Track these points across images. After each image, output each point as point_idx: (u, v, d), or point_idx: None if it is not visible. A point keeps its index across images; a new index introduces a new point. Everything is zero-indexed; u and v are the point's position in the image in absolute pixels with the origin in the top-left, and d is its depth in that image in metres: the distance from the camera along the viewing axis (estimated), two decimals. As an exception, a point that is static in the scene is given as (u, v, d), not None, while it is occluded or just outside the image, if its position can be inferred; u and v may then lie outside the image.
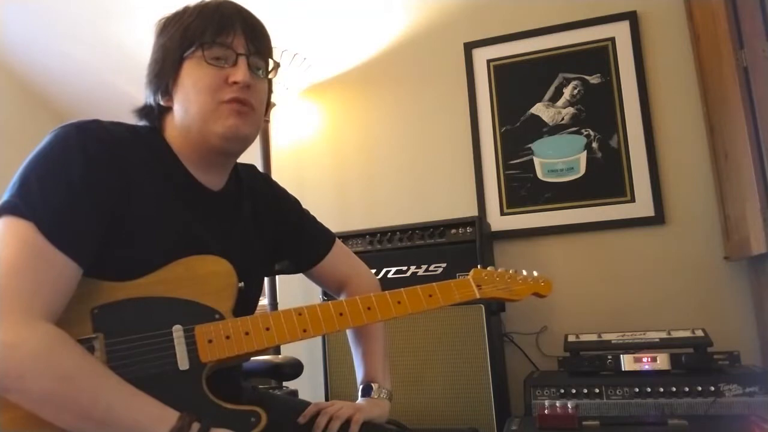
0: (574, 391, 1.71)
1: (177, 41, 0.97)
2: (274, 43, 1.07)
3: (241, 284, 0.97)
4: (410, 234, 2.12)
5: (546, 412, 1.57)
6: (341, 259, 1.25)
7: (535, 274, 1.23)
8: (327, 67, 2.62)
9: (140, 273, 0.89)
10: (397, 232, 2.14)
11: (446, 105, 2.48)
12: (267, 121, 2.47)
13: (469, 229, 2.05)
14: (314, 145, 2.67)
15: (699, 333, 1.79)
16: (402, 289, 1.07)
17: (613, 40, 2.30)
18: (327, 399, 2.07)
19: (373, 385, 1.15)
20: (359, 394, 1.16)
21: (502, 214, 2.34)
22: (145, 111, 1.02)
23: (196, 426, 0.81)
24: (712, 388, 1.61)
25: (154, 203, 0.93)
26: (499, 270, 1.20)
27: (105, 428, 0.78)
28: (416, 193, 2.48)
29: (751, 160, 1.65)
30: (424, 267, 2.06)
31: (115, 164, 0.89)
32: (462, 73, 2.46)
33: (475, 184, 2.38)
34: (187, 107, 0.96)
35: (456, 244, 2.05)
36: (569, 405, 1.56)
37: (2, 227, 0.81)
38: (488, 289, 1.14)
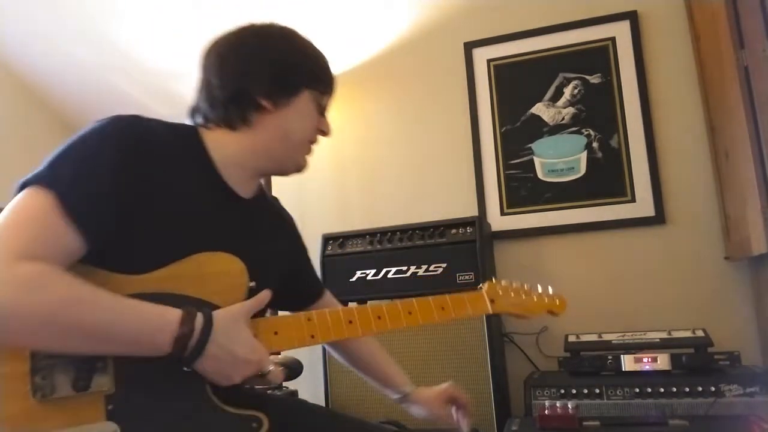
0: (574, 391, 1.71)
1: (305, 70, 1.04)
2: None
3: (252, 284, 0.95)
4: (410, 234, 2.12)
5: (546, 412, 1.57)
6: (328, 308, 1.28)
7: (551, 290, 1.22)
8: (327, 67, 2.62)
9: (152, 267, 0.88)
10: (397, 232, 2.13)
11: (446, 105, 2.48)
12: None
13: (469, 229, 2.05)
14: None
15: (699, 333, 1.79)
16: (413, 299, 1.06)
17: (613, 39, 2.29)
18: (327, 399, 2.07)
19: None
20: (406, 394, 1.26)
21: (503, 214, 2.34)
22: (236, 96, 1.00)
23: (199, 320, 0.84)
24: (713, 389, 1.61)
25: (179, 199, 0.93)
26: (514, 284, 1.18)
27: (111, 345, 0.81)
28: (416, 193, 2.48)
29: (751, 160, 1.65)
30: (424, 267, 2.06)
31: (146, 157, 0.90)
32: (462, 73, 2.46)
33: (475, 184, 2.38)
34: (288, 128, 1.02)
35: (456, 244, 2.05)
36: (569, 405, 1.56)
37: (24, 194, 0.82)
38: (502, 304, 1.14)
